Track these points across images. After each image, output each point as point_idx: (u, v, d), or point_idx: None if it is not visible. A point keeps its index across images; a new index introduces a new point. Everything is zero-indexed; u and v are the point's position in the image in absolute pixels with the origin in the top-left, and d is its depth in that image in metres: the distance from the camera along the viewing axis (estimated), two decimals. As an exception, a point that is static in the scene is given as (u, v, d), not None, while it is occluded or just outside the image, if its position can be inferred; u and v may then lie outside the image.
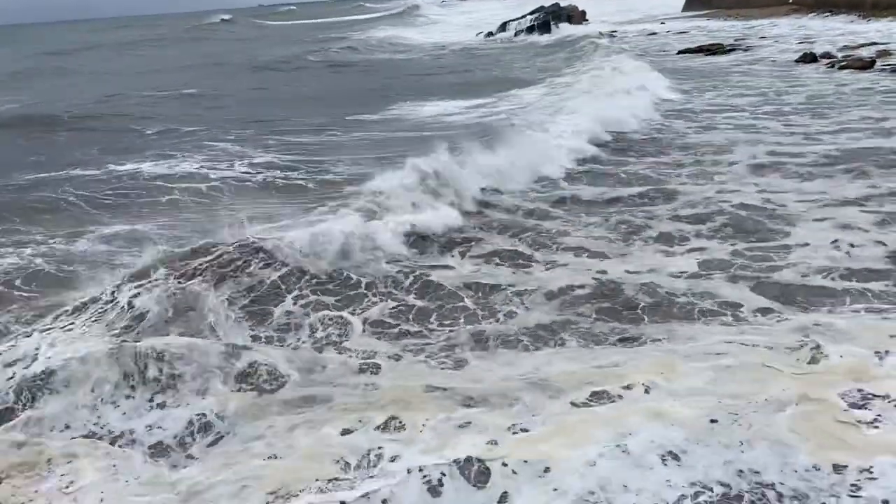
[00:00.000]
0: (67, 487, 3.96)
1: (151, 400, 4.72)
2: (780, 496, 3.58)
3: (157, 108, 18.71)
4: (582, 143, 11.53)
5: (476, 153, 9.76)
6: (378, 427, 4.39)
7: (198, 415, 4.60)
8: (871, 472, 3.66)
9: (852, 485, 3.60)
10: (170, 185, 10.29)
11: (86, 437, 4.42)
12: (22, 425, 4.42)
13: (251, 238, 6.80)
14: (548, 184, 9.88)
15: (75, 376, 4.74)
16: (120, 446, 4.36)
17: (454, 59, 32.05)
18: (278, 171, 10.99)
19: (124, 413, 4.63)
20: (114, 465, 4.15)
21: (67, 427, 4.48)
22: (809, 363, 4.88)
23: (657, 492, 3.65)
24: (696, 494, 3.64)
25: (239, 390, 4.86)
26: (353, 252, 6.97)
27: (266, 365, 5.08)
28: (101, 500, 3.86)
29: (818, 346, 5.10)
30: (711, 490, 3.65)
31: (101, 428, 4.51)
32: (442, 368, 5.21)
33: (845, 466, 3.74)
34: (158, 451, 4.35)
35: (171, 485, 3.99)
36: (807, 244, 7.22)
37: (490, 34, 42.69)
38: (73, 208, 9.40)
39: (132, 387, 4.78)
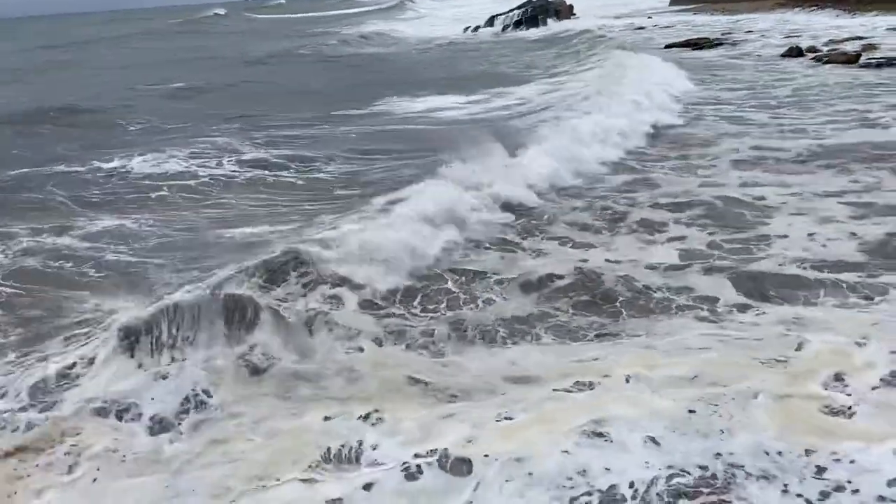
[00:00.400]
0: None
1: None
2: (748, 476, 3.72)
3: (147, 102, 18.64)
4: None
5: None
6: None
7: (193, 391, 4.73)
8: (838, 456, 3.81)
9: (818, 466, 3.74)
10: (158, 183, 10.28)
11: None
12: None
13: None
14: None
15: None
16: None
17: (441, 54, 32.04)
18: (267, 170, 10.99)
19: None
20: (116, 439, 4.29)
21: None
22: (788, 354, 4.99)
23: (636, 473, 3.78)
24: (672, 476, 3.76)
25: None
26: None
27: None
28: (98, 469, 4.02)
29: (797, 337, 5.23)
30: (688, 472, 3.78)
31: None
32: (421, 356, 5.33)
33: (815, 451, 3.88)
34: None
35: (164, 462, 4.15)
36: (785, 236, 7.37)
37: (477, 28, 42.57)
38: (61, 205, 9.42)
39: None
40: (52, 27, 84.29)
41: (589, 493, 3.70)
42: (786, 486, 3.65)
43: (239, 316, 5.39)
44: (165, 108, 17.85)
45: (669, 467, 3.82)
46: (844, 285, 6.12)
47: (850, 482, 3.62)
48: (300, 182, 10.37)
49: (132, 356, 4.99)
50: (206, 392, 4.75)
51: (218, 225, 8.27)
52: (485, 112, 15.77)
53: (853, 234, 7.27)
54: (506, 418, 4.42)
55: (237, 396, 4.75)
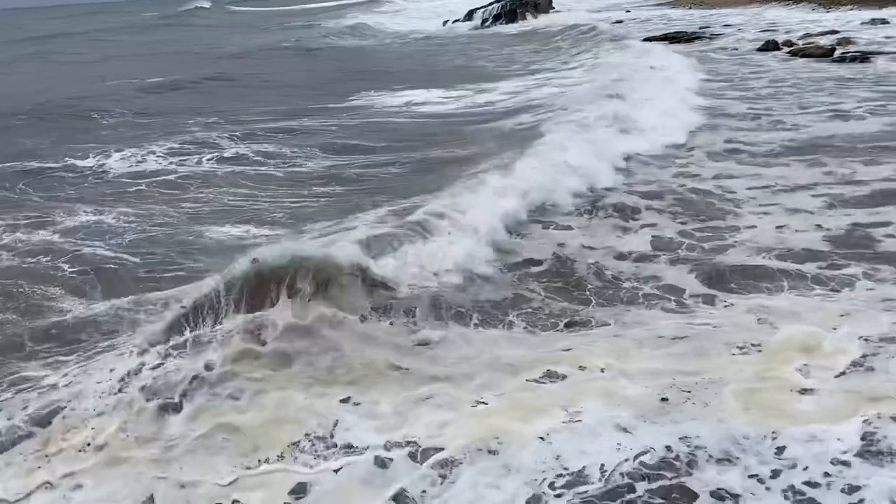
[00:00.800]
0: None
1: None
2: (710, 458, 3.89)
3: (124, 97, 18.41)
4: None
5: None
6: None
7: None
8: (799, 437, 3.97)
9: (778, 448, 3.90)
10: (136, 180, 10.24)
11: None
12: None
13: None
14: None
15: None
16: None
17: (420, 48, 32.00)
18: (247, 165, 10.98)
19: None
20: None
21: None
22: (759, 342, 5.13)
23: (607, 457, 3.92)
24: (639, 460, 3.90)
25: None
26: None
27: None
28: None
29: (768, 326, 5.37)
30: (655, 457, 3.92)
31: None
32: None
33: (778, 434, 4.04)
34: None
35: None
36: (754, 227, 7.55)
37: (456, 22, 42.48)
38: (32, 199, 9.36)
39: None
40: (36, 20, 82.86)
41: (560, 476, 3.81)
42: (746, 467, 3.82)
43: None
44: (143, 102, 17.70)
45: (638, 453, 3.95)
46: (810, 276, 6.28)
47: (802, 461, 3.81)
48: (280, 177, 10.34)
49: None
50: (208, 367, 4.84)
51: (197, 221, 8.28)
52: (466, 108, 15.79)
53: (820, 225, 7.45)
54: (480, 403, 4.54)
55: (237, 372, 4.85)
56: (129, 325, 5.54)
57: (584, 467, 3.88)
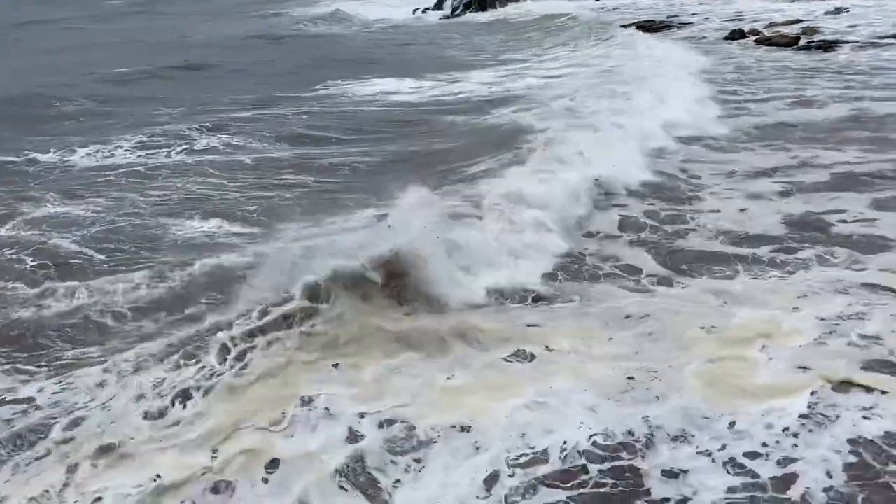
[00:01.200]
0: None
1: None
2: (666, 436, 4.06)
3: (91, 88, 18.13)
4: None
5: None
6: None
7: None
8: (753, 413, 4.13)
9: (731, 423, 4.07)
10: (103, 172, 10.10)
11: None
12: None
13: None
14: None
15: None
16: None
17: (389, 37, 31.86)
18: (217, 155, 10.91)
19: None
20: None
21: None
22: (720, 323, 5.28)
23: (570, 435, 4.06)
24: (599, 436, 4.07)
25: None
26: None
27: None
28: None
29: (729, 307, 5.52)
30: (614, 436, 4.09)
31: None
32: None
33: (735, 410, 4.21)
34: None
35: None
36: (718, 210, 7.74)
37: (426, 10, 42.25)
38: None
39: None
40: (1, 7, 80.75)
41: (525, 455, 3.93)
42: (698, 445, 3.98)
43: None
44: (109, 93, 17.43)
45: (599, 433, 4.10)
46: (768, 259, 6.47)
47: (749, 435, 4.01)
48: (251, 165, 10.28)
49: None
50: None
51: (165, 213, 8.21)
52: (439, 98, 15.74)
53: (779, 210, 7.64)
54: (448, 379, 4.70)
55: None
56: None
57: (547, 448, 4.00)
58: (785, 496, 3.60)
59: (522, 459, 3.93)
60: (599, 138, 9.65)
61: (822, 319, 5.21)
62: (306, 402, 4.42)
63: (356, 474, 3.86)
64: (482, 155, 9.74)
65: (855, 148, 9.76)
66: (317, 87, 17.37)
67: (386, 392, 4.56)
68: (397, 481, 3.84)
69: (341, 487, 3.78)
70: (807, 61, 17.84)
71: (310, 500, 3.70)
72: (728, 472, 3.76)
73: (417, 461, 3.96)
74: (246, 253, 6.70)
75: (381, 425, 4.23)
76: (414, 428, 4.21)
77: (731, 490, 3.66)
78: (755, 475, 3.74)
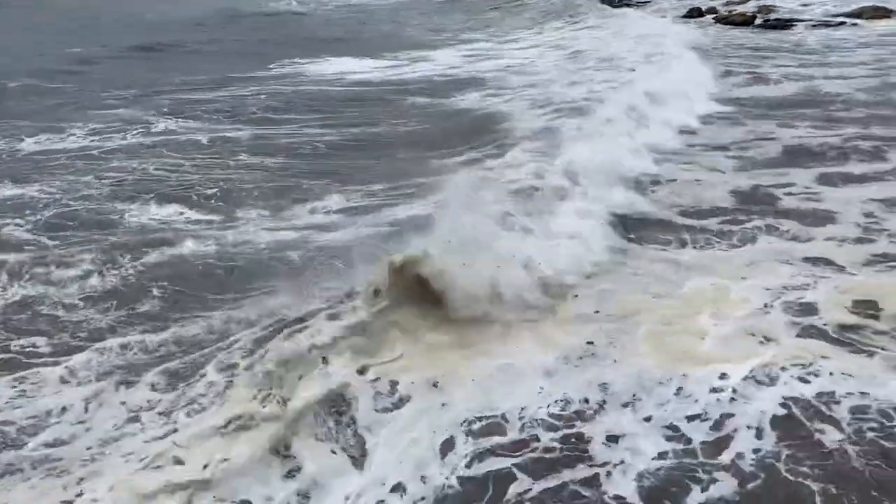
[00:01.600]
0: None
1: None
2: (617, 402, 4.22)
3: (43, 69, 17.64)
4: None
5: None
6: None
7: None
8: (699, 378, 4.28)
9: (678, 388, 4.19)
10: (56, 156, 9.86)
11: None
12: None
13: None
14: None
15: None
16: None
17: (345, 14, 31.51)
18: (176, 135, 10.74)
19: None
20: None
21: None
22: (673, 291, 5.46)
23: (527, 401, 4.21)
24: (554, 403, 4.21)
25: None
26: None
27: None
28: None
29: (682, 276, 5.68)
30: (570, 401, 4.23)
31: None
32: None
33: (685, 375, 4.37)
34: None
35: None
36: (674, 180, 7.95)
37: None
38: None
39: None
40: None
41: (486, 419, 4.09)
42: (643, 410, 4.13)
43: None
44: (60, 76, 16.95)
45: (556, 399, 4.24)
46: (718, 230, 6.66)
47: (691, 400, 4.17)
48: (209, 147, 10.14)
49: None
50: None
51: (120, 198, 8.07)
52: (398, 78, 15.68)
53: (729, 182, 7.85)
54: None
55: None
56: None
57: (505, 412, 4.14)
58: (716, 461, 3.71)
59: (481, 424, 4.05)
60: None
61: (768, 289, 5.38)
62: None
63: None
64: (456, 144, 9.72)
65: (807, 124, 10.02)
66: (277, 65, 17.17)
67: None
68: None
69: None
70: (762, 40, 18.15)
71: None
72: (662, 436, 3.91)
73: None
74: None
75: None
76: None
77: (661, 455, 3.77)
78: (688, 440, 3.88)
